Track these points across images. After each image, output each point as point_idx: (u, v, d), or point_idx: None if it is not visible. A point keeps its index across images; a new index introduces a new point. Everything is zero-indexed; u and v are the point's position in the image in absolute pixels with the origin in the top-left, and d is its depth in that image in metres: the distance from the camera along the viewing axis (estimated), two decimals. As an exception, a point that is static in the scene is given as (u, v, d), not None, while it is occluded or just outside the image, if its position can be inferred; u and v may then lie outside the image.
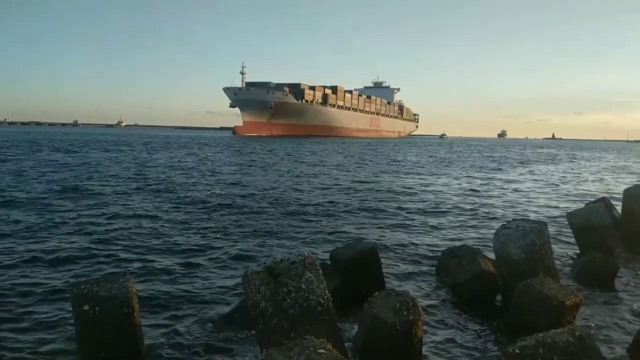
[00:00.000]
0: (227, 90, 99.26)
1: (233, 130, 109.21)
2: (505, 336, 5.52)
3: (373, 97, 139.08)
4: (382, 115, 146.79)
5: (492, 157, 52.86)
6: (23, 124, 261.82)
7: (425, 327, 5.12)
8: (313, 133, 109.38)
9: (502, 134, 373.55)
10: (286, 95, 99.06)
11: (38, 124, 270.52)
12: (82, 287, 4.12)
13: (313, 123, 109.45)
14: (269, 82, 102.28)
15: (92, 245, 9.27)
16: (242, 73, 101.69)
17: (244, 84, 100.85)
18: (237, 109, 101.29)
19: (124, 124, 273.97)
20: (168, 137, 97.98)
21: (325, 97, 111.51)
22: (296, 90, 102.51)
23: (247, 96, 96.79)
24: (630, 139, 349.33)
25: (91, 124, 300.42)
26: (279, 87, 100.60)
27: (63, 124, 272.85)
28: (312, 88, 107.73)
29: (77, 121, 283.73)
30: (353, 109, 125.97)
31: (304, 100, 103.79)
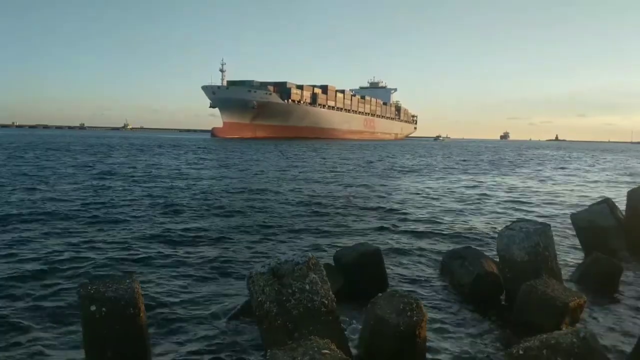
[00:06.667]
0: (205, 89, 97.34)
1: (211, 132, 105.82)
2: (509, 337, 5.84)
3: (367, 98, 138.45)
4: (378, 116, 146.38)
5: (493, 160, 53.59)
6: (31, 127, 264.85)
7: (428, 328, 5.38)
8: (301, 135, 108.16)
9: (504, 136, 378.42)
10: (270, 94, 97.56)
11: (45, 127, 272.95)
12: (89, 287, 4.42)
13: (301, 124, 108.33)
14: (252, 81, 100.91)
15: (96, 247, 9.67)
16: (221, 70, 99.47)
17: (224, 83, 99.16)
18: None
19: (130, 126, 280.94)
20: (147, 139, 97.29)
21: (314, 97, 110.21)
22: (282, 89, 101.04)
23: (227, 95, 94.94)
24: (634, 140, 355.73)
25: (98, 127, 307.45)
26: (263, 85, 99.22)
27: (70, 127, 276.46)
28: (300, 87, 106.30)
29: (83, 124, 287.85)
30: (345, 109, 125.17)
31: (290, 100, 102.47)
